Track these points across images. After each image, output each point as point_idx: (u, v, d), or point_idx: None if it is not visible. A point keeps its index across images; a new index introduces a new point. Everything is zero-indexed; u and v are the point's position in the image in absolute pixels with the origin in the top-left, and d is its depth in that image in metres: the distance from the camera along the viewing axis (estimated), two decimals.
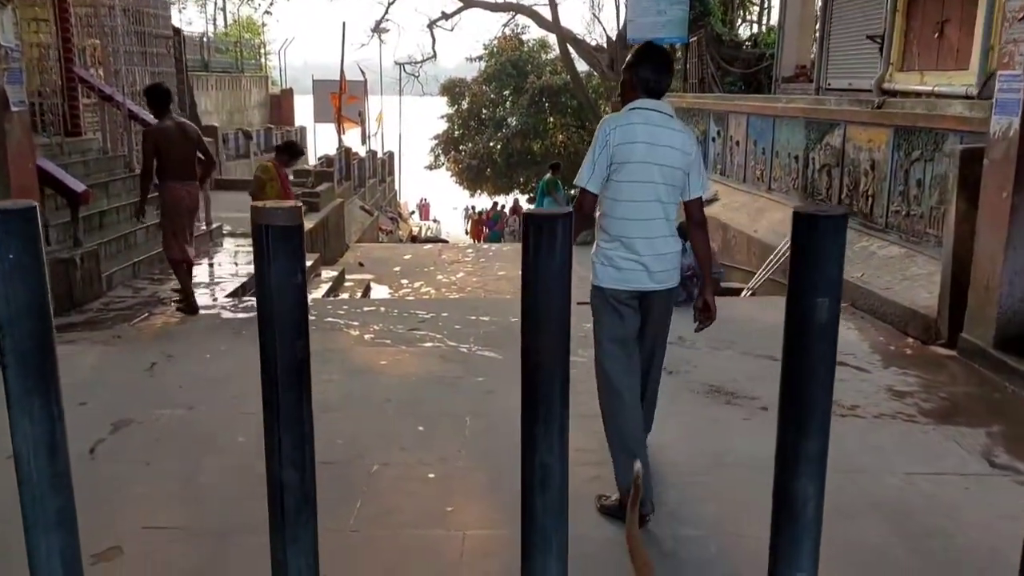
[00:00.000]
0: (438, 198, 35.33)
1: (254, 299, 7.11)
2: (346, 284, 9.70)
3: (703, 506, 3.27)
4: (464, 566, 2.83)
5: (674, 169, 3.13)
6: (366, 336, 5.69)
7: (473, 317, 6.18)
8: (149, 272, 7.45)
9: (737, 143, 12.34)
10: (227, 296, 7.06)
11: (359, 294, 9.33)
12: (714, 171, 13.46)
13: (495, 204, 27.17)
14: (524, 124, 30.90)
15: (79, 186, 6.84)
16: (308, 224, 11.15)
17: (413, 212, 32.96)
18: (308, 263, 9.28)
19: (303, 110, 31.03)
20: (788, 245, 8.68)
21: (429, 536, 3.01)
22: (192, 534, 3.01)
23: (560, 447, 1.58)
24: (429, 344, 5.45)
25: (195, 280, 7.57)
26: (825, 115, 9.16)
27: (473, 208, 29.05)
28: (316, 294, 8.51)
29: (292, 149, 8.17)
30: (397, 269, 11.31)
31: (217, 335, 5.70)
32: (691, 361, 5.01)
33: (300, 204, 1.55)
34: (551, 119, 31.67)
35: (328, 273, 9.55)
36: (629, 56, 3.31)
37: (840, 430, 4.10)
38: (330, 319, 6.21)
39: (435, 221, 33.39)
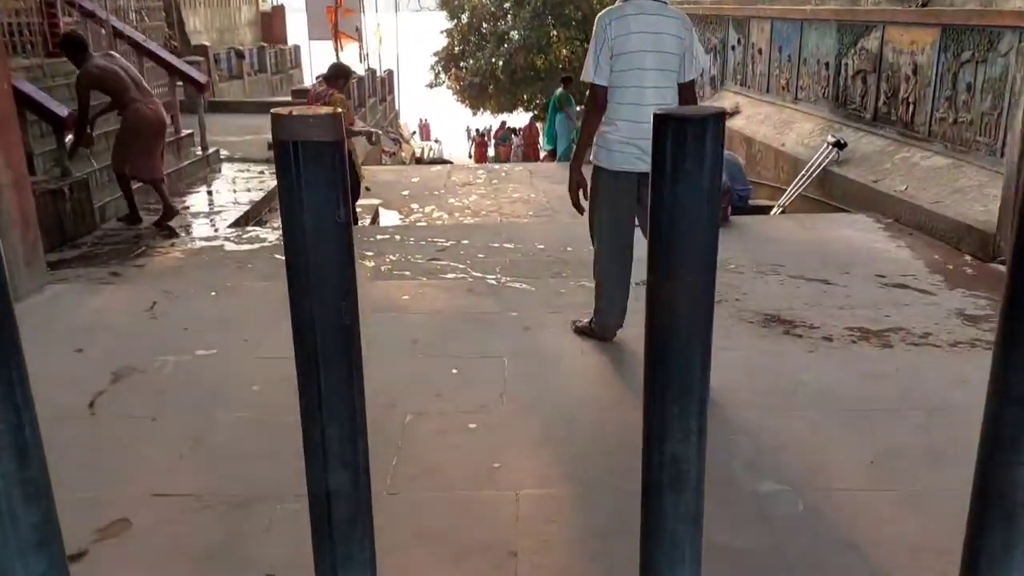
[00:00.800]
0: (438, 118, 34.39)
1: (258, 229, 6.68)
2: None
3: (781, 456, 2.90)
4: (522, 532, 2.48)
5: (670, 55, 3.32)
6: (383, 268, 5.27)
7: (496, 244, 5.75)
8: (145, 202, 6.97)
9: (759, 51, 11.64)
10: (229, 226, 6.62)
11: (368, 220, 8.85)
12: (734, 82, 12.79)
13: (503, 123, 26.07)
14: (527, 38, 29.71)
15: (63, 110, 6.30)
16: None
17: (414, 132, 32.08)
18: None
19: (295, 28, 29.87)
20: (822, 157, 8.18)
21: (478, 498, 2.66)
22: (208, 502, 2.65)
23: (699, 434, 1.18)
24: (452, 276, 5.03)
25: (194, 210, 7.14)
26: (862, 16, 8.49)
27: (477, 130, 27.98)
28: None
29: (346, 71, 7.65)
30: (405, 193, 10.79)
31: (221, 269, 5.28)
32: (739, 287, 4.60)
33: (340, 110, 1.11)
34: (555, 33, 30.47)
35: None
36: None
37: (917, 361, 3.72)
38: None
39: (436, 142, 32.53)
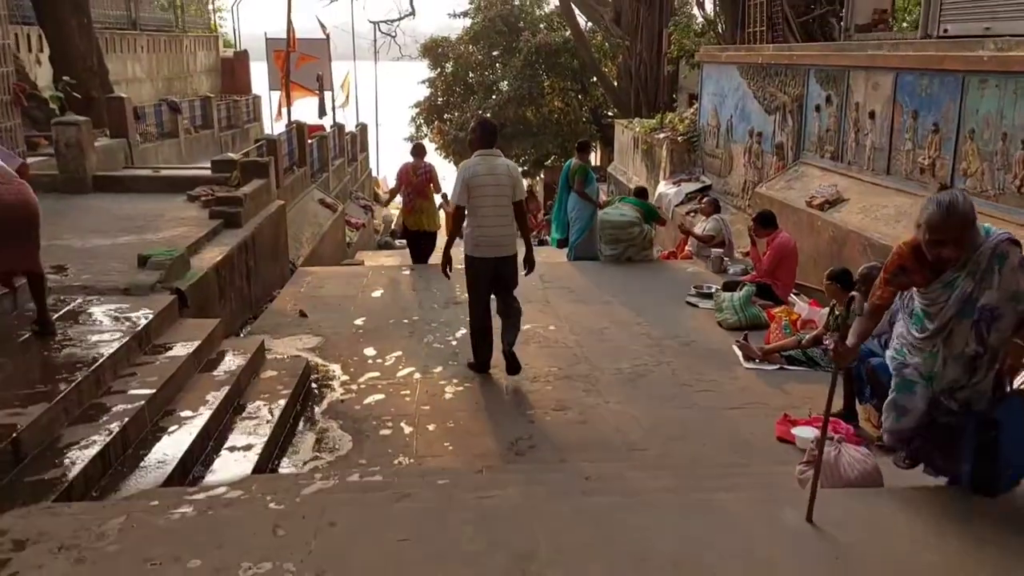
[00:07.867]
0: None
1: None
2: (266, 374, 5.55)
3: None
4: None
5: (503, 186, 5.69)
6: None
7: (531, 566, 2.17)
8: None
9: (870, 114, 8.27)
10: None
11: (284, 395, 5.23)
12: (819, 154, 9.43)
13: None
14: (517, 89, 26.62)
15: None
16: (217, 255, 7.02)
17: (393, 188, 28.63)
18: (196, 343, 5.22)
19: (261, 76, 26.63)
20: None
21: None
22: None
23: None
24: None
25: None
26: None
27: None
28: (195, 424, 4.45)
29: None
30: (360, 322, 7.21)
31: None
32: None
33: None
34: (547, 82, 27.44)
35: (232, 361, 5.40)
36: (470, 130, 5.97)
37: None
38: None
39: (444, 197, 29.01)
